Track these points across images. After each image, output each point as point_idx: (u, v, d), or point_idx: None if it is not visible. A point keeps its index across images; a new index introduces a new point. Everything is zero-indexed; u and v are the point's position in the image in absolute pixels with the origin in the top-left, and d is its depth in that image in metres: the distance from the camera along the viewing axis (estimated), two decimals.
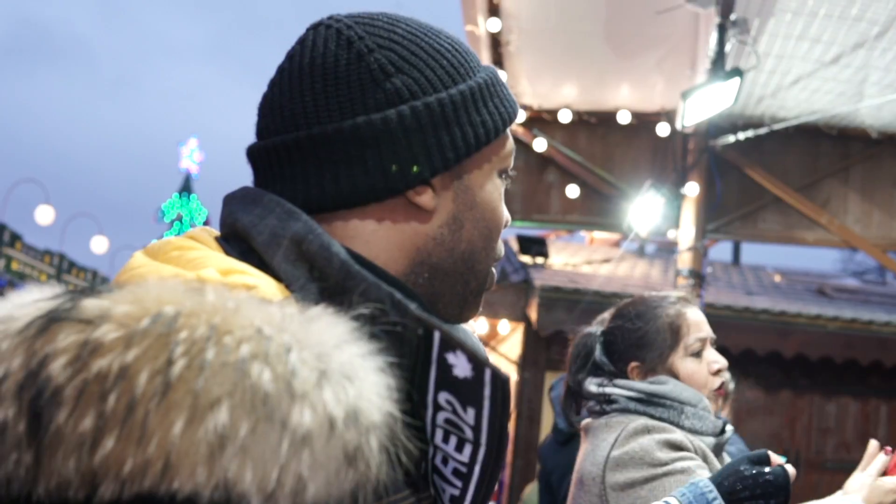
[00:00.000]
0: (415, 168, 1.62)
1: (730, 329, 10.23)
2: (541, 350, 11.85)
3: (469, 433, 1.47)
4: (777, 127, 10.50)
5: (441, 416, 1.50)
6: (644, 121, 11.66)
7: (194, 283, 1.34)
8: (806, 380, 11.30)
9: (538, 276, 11.74)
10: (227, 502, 1.16)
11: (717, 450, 3.67)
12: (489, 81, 1.73)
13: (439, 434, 1.51)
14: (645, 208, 10.73)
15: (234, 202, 1.66)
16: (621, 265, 13.46)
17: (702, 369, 3.67)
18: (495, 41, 11.02)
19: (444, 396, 1.48)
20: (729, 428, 3.71)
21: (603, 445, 3.54)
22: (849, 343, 11.18)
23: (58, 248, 40.80)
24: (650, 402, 3.59)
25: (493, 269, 1.76)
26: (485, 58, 11.12)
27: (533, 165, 11.65)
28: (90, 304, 1.26)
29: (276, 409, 1.18)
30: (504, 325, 12.47)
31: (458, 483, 1.53)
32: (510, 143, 1.74)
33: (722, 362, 3.69)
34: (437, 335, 1.45)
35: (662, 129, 11.53)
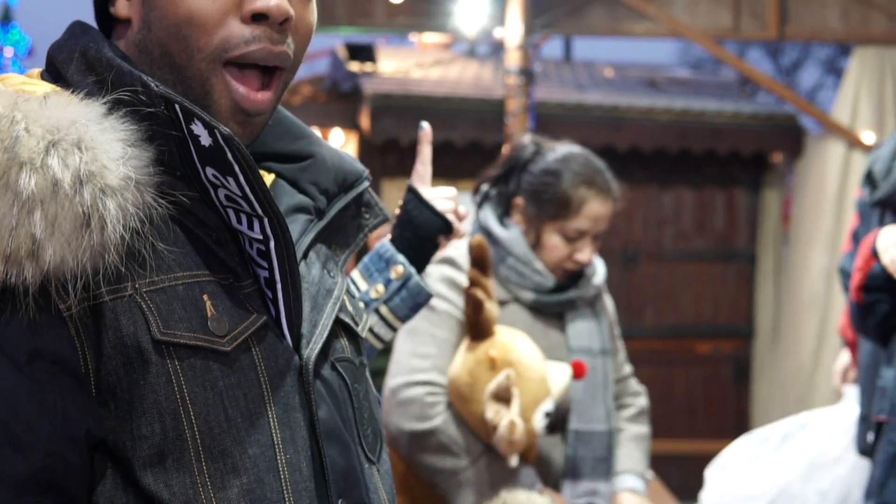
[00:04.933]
0: None
1: (563, 125, 10.19)
2: (375, 158, 11.65)
3: (245, 205, 1.58)
4: None
5: (221, 194, 1.60)
6: None
7: None
8: (641, 172, 11.32)
9: (368, 84, 11.49)
10: None
11: (545, 307, 3.79)
12: None
13: (231, 215, 1.62)
14: (470, 8, 10.54)
15: None
16: (452, 67, 13.27)
17: (562, 251, 3.73)
18: None
19: (210, 171, 1.58)
20: (576, 293, 3.82)
21: None
22: (681, 133, 11.20)
23: None
24: (488, 238, 3.69)
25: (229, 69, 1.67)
26: None
27: None
28: None
29: (3, 175, 1.34)
30: (337, 135, 12.25)
31: (264, 263, 1.64)
32: None
33: (584, 260, 3.75)
34: (177, 108, 1.53)
35: None
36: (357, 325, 1.96)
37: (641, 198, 11.49)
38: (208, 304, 1.56)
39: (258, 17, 1.61)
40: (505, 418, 3.30)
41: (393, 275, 2.65)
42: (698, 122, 11.28)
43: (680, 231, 11.67)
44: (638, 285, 11.28)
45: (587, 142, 3.85)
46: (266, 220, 1.58)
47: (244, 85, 1.65)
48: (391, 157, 11.68)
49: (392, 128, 11.02)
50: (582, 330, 3.82)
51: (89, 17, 1.77)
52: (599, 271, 3.94)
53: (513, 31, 10.23)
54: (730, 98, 12.24)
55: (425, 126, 2.79)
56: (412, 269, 2.66)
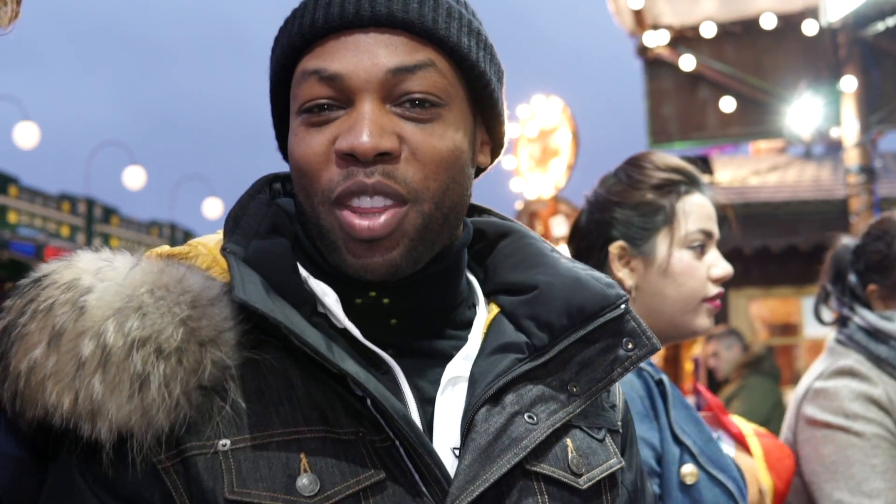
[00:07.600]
0: None
1: None
2: None
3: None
4: None
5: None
6: (789, 22, 11.32)
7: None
8: None
9: None
10: (47, 422, 1.46)
11: None
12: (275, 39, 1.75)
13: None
14: (803, 110, 10.52)
15: None
16: (789, 171, 13.18)
17: None
18: None
19: None
20: None
21: (814, 371, 3.49)
22: None
23: (167, 217, 37.84)
24: (875, 337, 3.40)
25: (341, 215, 1.64)
26: None
27: (683, 84, 11.42)
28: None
29: (68, 341, 1.45)
30: None
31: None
32: (299, 75, 1.68)
33: None
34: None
35: (809, 28, 11.18)
36: (578, 475, 1.73)
37: None
38: (304, 462, 1.53)
39: (348, 156, 1.59)
40: None
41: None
42: None
43: None
44: None
45: None
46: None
47: (356, 217, 1.60)
48: (735, 266, 11.64)
49: (734, 237, 11.03)
50: None
51: None
52: None
53: (849, 130, 10.15)
54: None
55: None
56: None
